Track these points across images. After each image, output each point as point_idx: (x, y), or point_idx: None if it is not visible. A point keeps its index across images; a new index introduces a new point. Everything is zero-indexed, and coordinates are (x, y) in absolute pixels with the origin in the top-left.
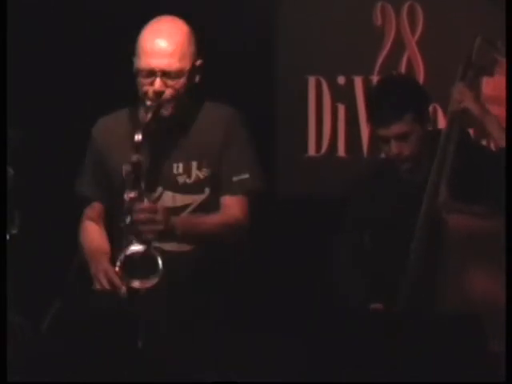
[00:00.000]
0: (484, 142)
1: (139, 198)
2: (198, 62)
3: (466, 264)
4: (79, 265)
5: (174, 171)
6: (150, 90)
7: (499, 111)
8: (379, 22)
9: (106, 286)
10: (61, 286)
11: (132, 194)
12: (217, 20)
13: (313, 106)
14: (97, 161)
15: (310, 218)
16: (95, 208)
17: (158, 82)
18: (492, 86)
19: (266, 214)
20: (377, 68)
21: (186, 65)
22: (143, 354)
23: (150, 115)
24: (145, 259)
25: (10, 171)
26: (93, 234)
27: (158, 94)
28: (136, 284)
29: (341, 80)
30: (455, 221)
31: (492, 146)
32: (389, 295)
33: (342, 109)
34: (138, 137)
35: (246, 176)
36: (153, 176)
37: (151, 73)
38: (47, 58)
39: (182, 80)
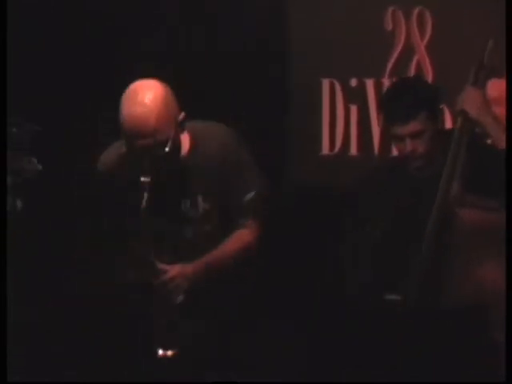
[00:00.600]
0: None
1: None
2: (181, 117)
3: (477, 256)
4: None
5: (183, 208)
6: (142, 160)
7: (502, 110)
8: (390, 26)
9: None
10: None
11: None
12: (231, 23)
13: (326, 106)
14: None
15: (324, 213)
16: None
17: (147, 157)
18: (497, 87)
19: (282, 209)
20: (387, 71)
21: (170, 133)
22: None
23: (146, 195)
24: None
25: (35, 164)
26: None
27: (147, 150)
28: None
29: (353, 82)
30: (467, 214)
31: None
32: (401, 287)
33: (354, 109)
34: (143, 178)
35: (253, 194)
36: (166, 215)
37: (135, 149)
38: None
39: (166, 137)
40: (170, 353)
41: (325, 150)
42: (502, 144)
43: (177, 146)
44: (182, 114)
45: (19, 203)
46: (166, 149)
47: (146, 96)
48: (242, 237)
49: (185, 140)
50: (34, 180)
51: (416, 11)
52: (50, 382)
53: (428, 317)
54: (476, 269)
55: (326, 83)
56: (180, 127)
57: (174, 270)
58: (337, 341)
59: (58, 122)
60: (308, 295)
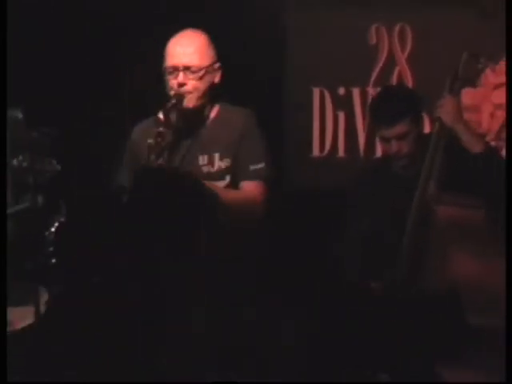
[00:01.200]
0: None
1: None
2: (216, 65)
3: (450, 247)
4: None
5: (200, 162)
6: (175, 82)
7: (477, 117)
8: (374, 41)
9: None
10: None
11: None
12: (231, 36)
13: (317, 113)
14: (132, 157)
15: (315, 209)
16: None
17: (180, 76)
18: (471, 95)
19: (274, 206)
20: (372, 81)
21: (204, 63)
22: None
23: (171, 103)
24: None
25: (56, 165)
26: None
27: (181, 85)
28: None
29: (341, 91)
30: (442, 210)
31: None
32: (385, 273)
33: (341, 116)
34: (160, 115)
35: (262, 165)
36: (182, 167)
37: (175, 68)
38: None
39: (201, 75)
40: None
41: (315, 152)
42: (474, 148)
43: (208, 97)
44: (218, 64)
45: (40, 200)
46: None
47: (193, 33)
48: (248, 191)
49: (215, 108)
50: (53, 179)
51: (397, 27)
52: (50, 382)
53: (409, 300)
54: (450, 259)
55: (316, 91)
56: (213, 73)
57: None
58: (337, 338)
59: (75, 126)
60: (305, 291)
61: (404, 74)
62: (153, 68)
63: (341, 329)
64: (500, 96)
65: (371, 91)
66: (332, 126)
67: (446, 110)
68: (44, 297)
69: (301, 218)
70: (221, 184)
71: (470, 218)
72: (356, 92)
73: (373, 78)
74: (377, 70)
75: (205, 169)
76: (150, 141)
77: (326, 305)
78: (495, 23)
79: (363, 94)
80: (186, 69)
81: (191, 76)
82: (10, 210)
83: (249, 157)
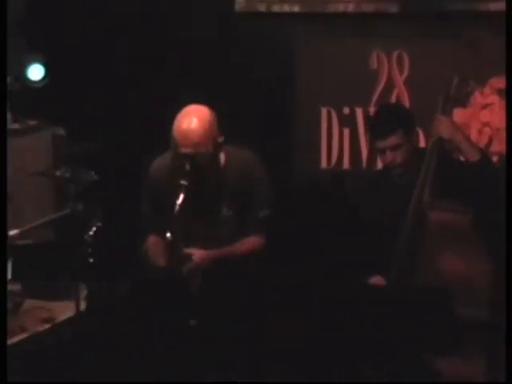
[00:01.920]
0: (458, 156)
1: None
2: (220, 140)
3: (442, 248)
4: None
5: (214, 211)
6: (184, 167)
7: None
8: (375, 66)
9: None
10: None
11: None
12: (246, 63)
13: (325, 129)
14: (153, 192)
15: (323, 216)
16: (155, 228)
17: (188, 166)
18: (461, 114)
19: (286, 213)
20: (373, 101)
21: (210, 149)
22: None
23: (182, 196)
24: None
25: (94, 176)
26: (156, 250)
27: (189, 172)
28: None
29: (346, 110)
30: (436, 216)
31: (464, 159)
32: (384, 270)
33: (346, 132)
34: (178, 204)
35: (266, 213)
36: (196, 219)
37: (185, 157)
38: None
39: (209, 156)
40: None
41: (323, 164)
42: (472, 157)
43: (215, 161)
44: (222, 138)
45: (80, 206)
46: (204, 160)
47: (195, 117)
48: (252, 242)
49: (223, 156)
50: (91, 188)
51: (396, 53)
52: (50, 382)
53: (404, 295)
54: (441, 258)
55: (324, 111)
56: (219, 147)
57: (197, 252)
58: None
59: (109, 142)
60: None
61: (402, 95)
62: None
63: (340, 325)
64: (487, 115)
65: (372, 111)
66: (338, 141)
67: (443, 126)
68: (83, 293)
69: (309, 224)
70: (227, 231)
71: (460, 222)
72: (359, 111)
73: (374, 99)
74: (377, 91)
75: (218, 217)
76: (178, 203)
77: (328, 301)
78: (479, 52)
79: (365, 113)
80: (194, 156)
81: (199, 159)
82: (53, 216)
83: (254, 203)
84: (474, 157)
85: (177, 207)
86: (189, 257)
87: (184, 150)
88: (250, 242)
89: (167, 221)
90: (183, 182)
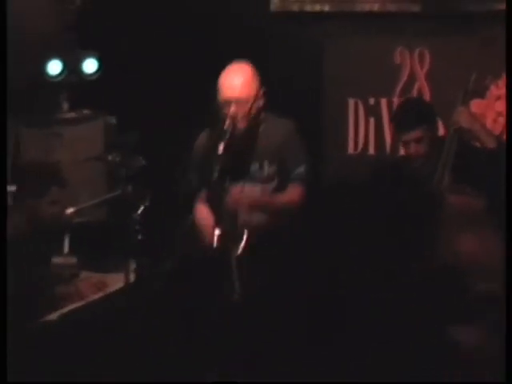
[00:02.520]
0: (476, 144)
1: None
2: (261, 92)
3: (459, 229)
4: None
5: (252, 169)
6: (228, 111)
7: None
8: (398, 61)
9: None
10: (178, 237)
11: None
12: (285, 60)
13: (352, 119)
14: (197, 161)
15: (350, 198)
16: (203, 192)
17: (232, 107)
18: (478, 105)
19: (315, 196)
20: (397, 93)
21: (251, 94)
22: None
23: (227, 134)
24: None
25: (142, 160)
26: (203, 213)
27: (234, 117)
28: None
29: (371, 101)
30: (453, 199)
31: (481, 146)
32: (405, 249)
33: (372, 121)
34: (221, 147)
35: (302, 169)
36: (239, 173)
37: (227, 101)
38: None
39: (250, 105)
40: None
41: (350, 150)
42: (490, 144)
43: (256, 113)
44: (262, 91)
45: (129, 188)
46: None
47: (239, 69)
48: (288, 195)
49: (262, 123)
50: (139, 172)
51: (418, 50)
52: (50, 382)
53: (424, 268)
54: (458, 239)
55: (351, 102)
56: (259, 100)
57: (241, 191)
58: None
59: (156, 130)
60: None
61: (423, 88)
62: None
63: (369, 299)
64: (501, 106)
65: (396, 101)
66: (364, 129)
67: (463, 118)
68: (132, 266)
69: (336, 206)
70: (270, 186)
71: (475, 205)
72: (384, 102)
73: (397, 91)
74: (400, 84)
75: (257, 174)
76: (215, 174)
77: (354, 278)
78: (495, 49)
79: (389, 104)
80: (237, 101)
81: (240, 106)
82: (105, 197)
83: (291, 160)
84: (492, 144)
85: (220, 152)
86: (235, 215)
87: (228, 94)
88: (291, 193)
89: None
90: (226, 128)
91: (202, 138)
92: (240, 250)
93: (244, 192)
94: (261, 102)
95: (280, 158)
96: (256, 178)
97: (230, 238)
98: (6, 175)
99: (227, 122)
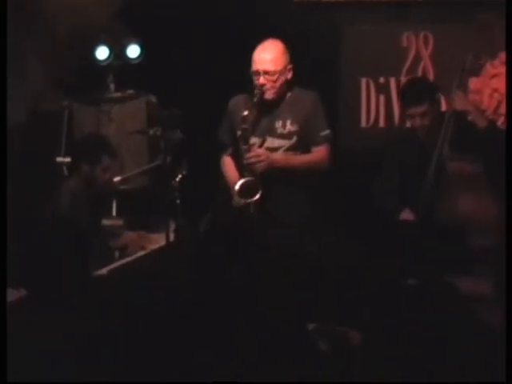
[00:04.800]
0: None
1: (249, 149)
2: (289, 67)
3: (459, 191)
4: (223, 188)
5: (275, 126)
6: (258, 82)
7: (479, 98)
8: (405, 44)
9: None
10: (212, 202)
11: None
12: (305, 44)
13: (364, 96)
14: (229, 121)
15: (363, 163)
16: (229, 150)
17: (261, 78)
18: (475, 82)
19: (334, 163)
20: (404, 72)
21: (278, 68)
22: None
23: (256, 98)
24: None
25: (179, 134)
26: (229, 164)
27: (262, 86)
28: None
29: (381, 80)
30: (454, 165)
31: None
32: (412, 209)
33: (382, 98)
34: (246, 112)
35: (328, 132)
36: (263, 129)
37: (258, 72)
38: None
39: (276, 77)
40: None
41: (363, 123)
42: (481, 124)
43: (284, 83)
44: (290, 66)
45: (168, 159)
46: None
47: (271, 44)
48: (316, 155)
49: (289, 93)
50: (178, 144)
51: (422, 34)
52: (50, 382)
53: (428, 228)
54: (459, 199)
55: (363, 81)
56: (286, 73)
57: (261, 151)
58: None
59: (193, 106)
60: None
61: (427, 68)
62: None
63: (382, 248)
64: (496, 83)
65: (403, 80)
66: (375, 105)
67: (457, 100)
68: (172, 227)
69: (352, 171)
70: (288, 142)
71: (473, 170)
72: (392, 81)
73: (404, 71)
74: (407, 65)
75: (278, 130)
76: (239, 133)
77: (365, 230)
78: (490, 33)
79: (397, 82)
80: (265, 73)
81: (269, 78)
82: (147, 166)
83: (317, 125)
84: (482, 123)
85: (245, 113)
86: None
87: (257, 67)
88: (319, 153)
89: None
90: (256, 91)
91: (235, 101)
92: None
93: (262, 152)
94: (288, 75)
95: (305, 120)
96: (277, 133)
97: (248, 191)
98: (5, 175)
99: (255, 91)
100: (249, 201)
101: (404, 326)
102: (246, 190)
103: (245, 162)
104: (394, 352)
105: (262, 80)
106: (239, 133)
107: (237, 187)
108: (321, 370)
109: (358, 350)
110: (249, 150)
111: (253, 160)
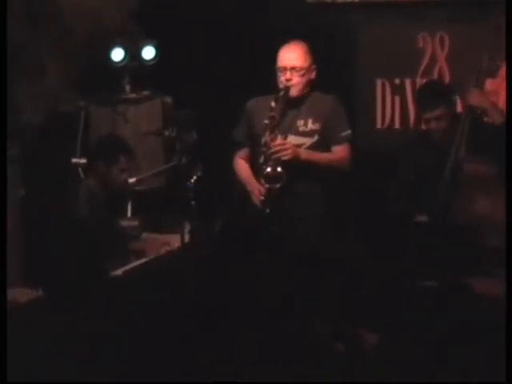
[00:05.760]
0: (487, 119)
1: (274, 138)
2: (313, 66)
3: (474, 193)
4: (238, 189)
5: (297, 124)
6: (283, 78)
7: (496, 99)
8: (421, 45)
9: (259, 196)
10: (226, 203)
11: (270, 137)
12: (321, 45)
13: (379, 97)
14: (247, 121)
15: (378, 165)
16: (244, 150)
17: (288, 73)
18: (491, 83)
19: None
20: (419, 74)
21: (304, 65)
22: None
23: (282, 93)
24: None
25: (194, 135)
26: (243, 166)
27: (288, 80)
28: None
29: (397, 81)
30: (469, 167)
31: (492, 122)
32: (427, 211)
33: (397, 99)
34: (273, 103)
35: (349, 132)
36: (285, 127)
37: (284, 68)
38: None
39: (302, 74)
40: None
41: (378, 124)
42: (497, 120)
43: (307, 82)
44: (314, 66)
45: (184, 160)
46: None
47: (296, 43)
48: (338, 153)
49: (312, 94)
50: (193, 145)
51: (438, 35)
52: (50, 382)
53: (444, 227)
54: (473, 200)
55: (379, 82)
56: (311, 72)
57: (287, 143)
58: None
59: (208, 108)
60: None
61: (443, 69)
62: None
63: (397, 248)
64: None
65: (419, 81)
66: (390, 106)
67: (474, 98)
68: (187, 227)
69: (368, 172)
70: (310, 140)
71: (487, 172)
72: (408, 82)
73: (420, 72)
74: (423, 66)
75: (300, 128)
76: (266, 121)
77: (380, 232)
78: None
79: (413, 84)
80: (292, 69)
81: (295, 74)
82: (162, 167)
83: (338, 126)
84: (499, 119)
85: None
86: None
87: (284, 63)
88: (341, 152)
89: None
90: (282, 86)
91: (254, 102)
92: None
93: (288, 142)
94: (312, 75)
95: (326, 120)
96: (299, 131)
97: (270, 177)
98: (5, 176)
99: (281, 86)
100: (275, 186)
101: (417, 328)
102: (268, 178)
103: (270, 150)
104: (402, 353)
105: (288, 75)
106: (266, 122)
107: (262, 180)
108: (322, 370)
109: (372, 352)
110: (273, 140)
111: (278, 148)
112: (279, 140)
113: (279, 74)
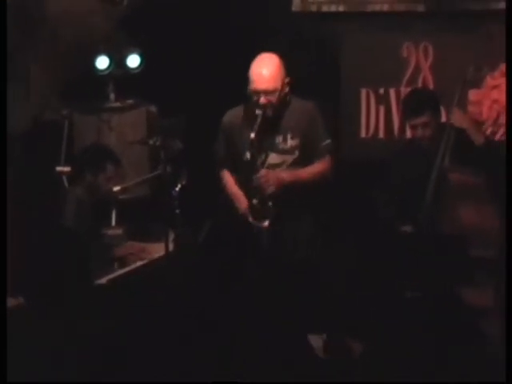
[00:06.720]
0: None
1: (252, 163)
2: (286, 81)
3: (459, 203)
4: (224, 198)
5: (276, 141)
6: (258, 101)
7: (480, 109)
8: (405, 55)
9: (247, 213)
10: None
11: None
12: (304, 54)
13: (364, 106)
14: (225, 138)
15: (362, 176)
16: (228, 163)
17: (262, 98)
18: (475, 94)
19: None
20: (404, 83)
21: (279, 85)
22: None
23: (259, 119)
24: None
25: (179, 144)
26: (230, 180)
27: (264, 105)
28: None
29: (381, 91)
30: (454, 176)
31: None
32: (412, 221)
33: (382, 109)
34: (253, 135)
35: (329, 141)
36: (264, 145)
37: (257, 92)
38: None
39: (277, 94)
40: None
41: (363, 134)
42: (478, 141)
43: (283, 99)
44: (288, 79)
45: (168, 168)
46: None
47: (267, 60)
48: (320, 166)
49: (288, 104)
50: (177, 154)
51: (422, 45)
52: (50, 382)
53: (429, 237)
54: (459, 210)
55: (363, 91)
56: (285, 87)
57: (269, 173)
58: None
59: (192, 116)
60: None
61: (427, 78)
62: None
63: (385, 261)
64: (496, 94)
65: (403, 91)
66: (375, 115)
67: (456, 117)
68: (171, 236)
69: (351, 183)
70: (291, 157)
71: (474, 181)
72: (392, 91)
73: (404, 82)
74: (407, 75)
75: (280, 146)
76: (252, 136)
77: (368, 242)
78: (491, 44)
79: (397, 93)
80: (265, 93)
81: (269, 96)
82: (147, 176)
83: (317, 137)
84: (480, 140)
85: (252, 137)
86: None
87: (258, 86)
88: (322, 164)
89: (240, 154)
90: (258, 112)
91: (229, 117)
92: (267, 223)
93: (273, 171)
94: (287, 90)
95: (305, 133)
96: (279, 149)
97: (258, 211)
98: (5, 176)
99: (258, 111)
100: (262, 224)
101: (405, 336)
102: (256, 212)
103: (253, 184)
104: (395, 354)
105: (263, 100)
106: (248, 154)
107: (245, 209)
108: (320, 370)
109: (359, 359)
110: (256, 170)
111: (262, 181)
112: (262, 171)
113: (253, 96)
